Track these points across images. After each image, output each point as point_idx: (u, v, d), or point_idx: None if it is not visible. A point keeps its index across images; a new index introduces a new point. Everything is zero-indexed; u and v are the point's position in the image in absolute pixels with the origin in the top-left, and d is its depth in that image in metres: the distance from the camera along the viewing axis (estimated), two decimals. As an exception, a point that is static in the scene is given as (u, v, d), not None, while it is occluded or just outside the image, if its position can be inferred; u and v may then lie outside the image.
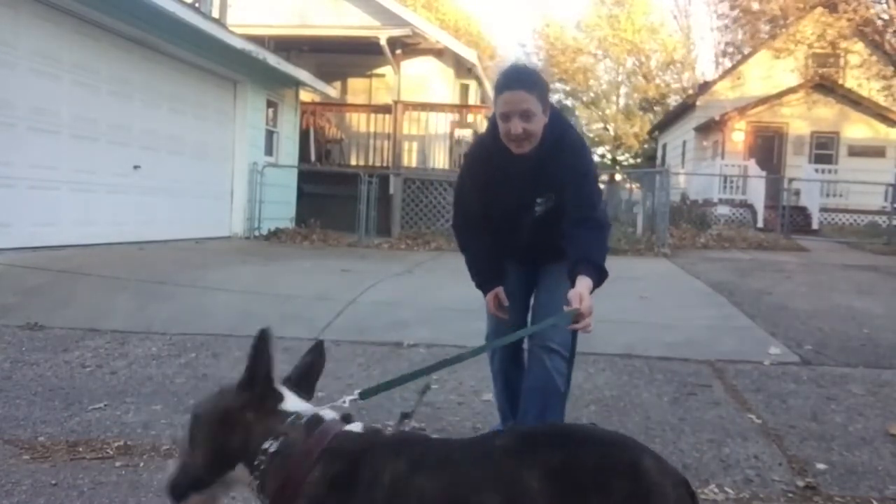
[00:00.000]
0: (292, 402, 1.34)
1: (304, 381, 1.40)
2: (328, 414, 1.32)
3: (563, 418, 2.51)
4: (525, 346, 2.61)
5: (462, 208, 2.72)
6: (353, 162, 13.93)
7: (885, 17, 15.19)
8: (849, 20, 15.13)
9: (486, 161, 2.53)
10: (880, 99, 17.69)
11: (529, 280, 2.68)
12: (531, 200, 2.48)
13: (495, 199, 2.55)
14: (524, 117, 2.29)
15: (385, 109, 13.22)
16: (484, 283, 2.67)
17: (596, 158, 45.06)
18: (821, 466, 2.65)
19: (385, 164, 13.12)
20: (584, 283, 2.16)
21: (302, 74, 11.45)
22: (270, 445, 1.26)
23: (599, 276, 2.24)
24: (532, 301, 2.67)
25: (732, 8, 21.82)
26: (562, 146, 2.41)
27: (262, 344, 1.38)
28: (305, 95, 12.95)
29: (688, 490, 1.27)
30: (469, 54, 14.75)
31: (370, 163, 13.40)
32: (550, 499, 1.17)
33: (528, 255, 2.65)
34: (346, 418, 1.33)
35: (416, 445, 1.29)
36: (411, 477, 1.18)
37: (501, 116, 2.34)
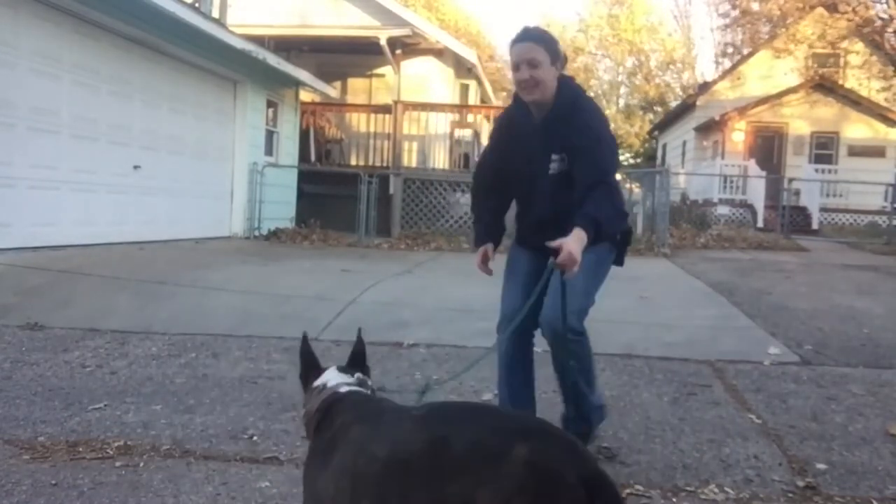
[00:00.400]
0: (324, 377, 1.73)
1: (355, 362, 1.80)
2: (333, 382, 1.70)
3: (594, 383, 2.68)
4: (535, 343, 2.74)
5: (482, 169, 2.97)
6: (353, 162, 13.93)
7: (885, 16, 15.17)
8: (848, 20, 15.12)
9: (508, 124, 2.79)
10: (880, 99, 17.68)
11: (542, 269, 2.54)
12: (546, 157, 2.62)
13: (513, 157, 2.73)
14: (531, 65, 2.54)
15: (385, 109, 13.21)
16: (477, 238, 2.88)
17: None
18: (821, 466, 2.65)
19: (385, 164, 13.12)
20: (574, 234, 2.29)
21: (302, 74, 11.45)
22: (301, 412, 1.78)
23: (597, 229, 2.34)
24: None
25: (734, 7, 21.80)
26: (575, 108, 2.60)
27: (302, 347, 1.82)
28: (305, 95, 12.95)
29: (590, 490, 1.23)
30: (469, 54, 14.75)
31: (370, 163, 13.39)
32: (430, 463, 1.33)
33: (544, 230, 2.49)
34: (361, 383, 1.72)
35: (368, 404, 1.65)
36: (350, 424, 1.54)
37: (513, 67, 2.60)
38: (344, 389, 1.66)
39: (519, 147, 2.70)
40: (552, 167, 2.60)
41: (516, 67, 2.57)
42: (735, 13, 21.84)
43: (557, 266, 2.26)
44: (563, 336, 2.48)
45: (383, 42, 13.11)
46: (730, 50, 28.75)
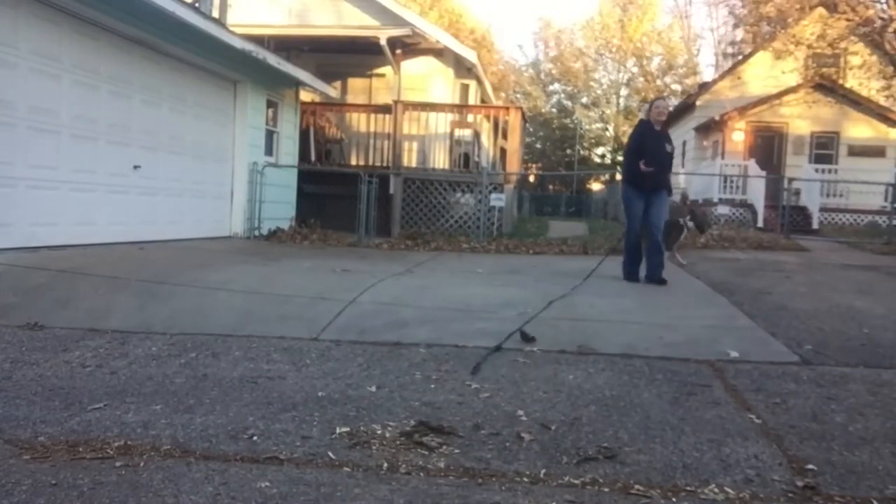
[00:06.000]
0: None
1: (687, 210, 7.99)
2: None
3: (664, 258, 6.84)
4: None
5: (637, 150, 6.78)
6: (353, 162, 13.93)
7: (885, 16, 15.14)
8: (848, 20, 15.10)
9: (647, 131, 6.79)
10: (880, 99, 17.67)
11: (645, 203, 6.79)
12: (663, 146, 6.79)
13: (650, 145, 6.72)
14: (667, 111, 7.48)
15: (385, 109, 13.21)
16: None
17: (596, 159, 45.29)
18: (821, 466, 2.65)
19: (385, 164, 13.12)
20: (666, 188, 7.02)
21: (302, 74, 11.44)
22: None
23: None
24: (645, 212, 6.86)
25: (743, 6, 21.69)
26: (665, 127, 7.09)
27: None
28: (305, 95, 12.94)
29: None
30: (469, 54, 14.75)
31: (370, 163, 13.39)
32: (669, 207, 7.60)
33: (656, 180, 6.71)
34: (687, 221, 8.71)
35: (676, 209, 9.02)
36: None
37: (657, 114, 6.89)
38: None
39: (652, 140, 6.73)
40: (668, 149, 6.84)
41: (662, 111, 7.01)
42: (743, 11, 21.71)
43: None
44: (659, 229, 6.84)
45: (383, 42, 13.10)
46: (729, 51, 28.73)
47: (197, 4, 9.17)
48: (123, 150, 7.88)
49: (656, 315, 5.40)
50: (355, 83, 15.11)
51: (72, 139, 7.13)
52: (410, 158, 13.57)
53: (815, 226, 15.68)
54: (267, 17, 13.98)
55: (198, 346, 4.23)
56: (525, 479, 2.49)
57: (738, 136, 18.90)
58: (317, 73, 12.39)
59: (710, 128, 20.21)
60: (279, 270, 7.07)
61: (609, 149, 44.36)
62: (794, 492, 2.44)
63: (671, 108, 7.24)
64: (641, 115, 7.22)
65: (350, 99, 14.87)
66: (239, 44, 9.24)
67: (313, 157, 13.29)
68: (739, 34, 26.86)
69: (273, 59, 10.23)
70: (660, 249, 6.84)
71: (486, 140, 14.92)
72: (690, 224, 8.65)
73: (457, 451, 2.73)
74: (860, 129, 18.88)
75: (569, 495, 2.36)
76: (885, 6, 15.39)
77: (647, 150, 6.69)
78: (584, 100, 45.12)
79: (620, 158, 41.13)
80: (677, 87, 38.23)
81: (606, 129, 44.69)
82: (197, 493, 2.30)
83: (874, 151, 18.69)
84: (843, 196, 17.25)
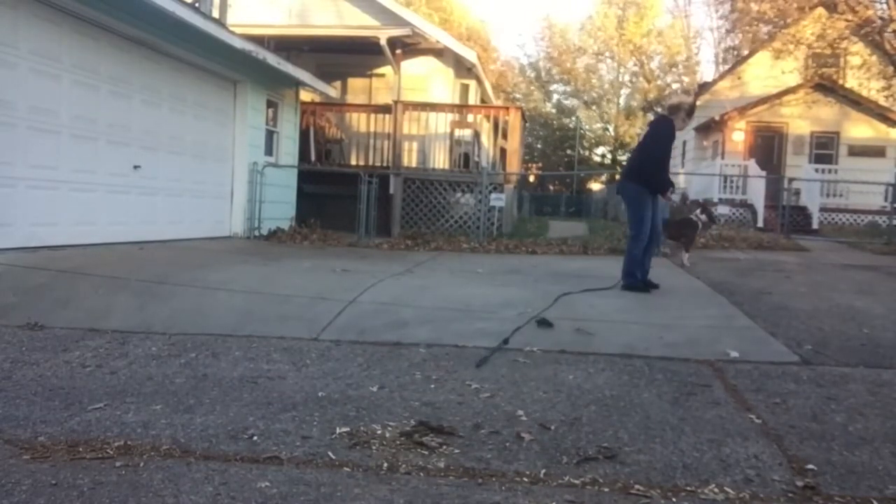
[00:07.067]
0: (692, 216, 9.31)
1: (704, 212, 9.33)
2: (693, 214, 9.40)
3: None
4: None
5: (667, 152, 6.57)
6: (353, 162, 13.93)
7: (885, 16, 15.14)
8: (847, 20, 15.10)
9: (674, 132, 6.44)
10: (880, 99, 17.67)
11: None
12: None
13: (670, 146, 6.55)
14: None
15: (385, 109, 13.21)
16: (667, 183, 6.46)
17: (596, 158, 45.26)
18: (821, 466, 2.65)
19: (385, 164, 13.12)
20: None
21: (302, 74, 11.44)
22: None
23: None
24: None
25: (732, 11, 21.72)
26: None
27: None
28: (305, 95, 12.95)
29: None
30: (469, 54, 14.75)
31: (370, 163, 13.39)
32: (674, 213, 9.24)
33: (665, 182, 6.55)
34: (698, 215, 9.06)
35: (686, 215, 9.61)
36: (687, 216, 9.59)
37: (688, 116, 6.65)
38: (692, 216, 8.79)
39: (671, 142, 6.56)
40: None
41: (686, 122, 6.75)
42: (734, 16, 21.75)
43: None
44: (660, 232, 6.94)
45: (383, 42, 13.10)
46: (729, 55, 28.74)
47: (197, 4, 9.17)
48: (123, 150, 7.88)
49: (656, 315, 5.40)
50: (355, 83, 15.12)
51: (72, 139, 7.13)
52: (410, 158, 13.58)
53: (815, 226, 15.68)
54: (267, 17, 14.00)
55: (198, 346, 4.23)
56: (525, 479, 2.49)
57: (738, 136, 18.91)
58: (317, 73, 12.39)
59: (710, 128, 20.20)
60: (279, 270, 7.07)
61: (609, 148, 44.37)
62: (794, 492, 2.44)
63: None
64: (663, 111, 6.82)
65: (350, 99, 14.88)
66: (239, 44, 9.24)
67: (313, 157, 13.29)
68: (737, 38, 26.85)
69: (273, 59, 10.23)
70: (653, 253, 6.83)
71: (486, 140, 14.92)
72: (703, 217, 8.84)
73: (457, 451, 2.73)
74: (860, 129, 18.89)
75: (569, 495, 2.36)
76: (884, 6, 15.39)
77: (668, 153, 6.67)
78: (585, 98, 45.17)
79: (621, 158, 41.14)
80: (677, 86, 38.26)
81: (607, 129, 44.71)
82: (197, 493, 2.29)
83: (874, 151, 18.70)
84: (843, 196, 17.26)
